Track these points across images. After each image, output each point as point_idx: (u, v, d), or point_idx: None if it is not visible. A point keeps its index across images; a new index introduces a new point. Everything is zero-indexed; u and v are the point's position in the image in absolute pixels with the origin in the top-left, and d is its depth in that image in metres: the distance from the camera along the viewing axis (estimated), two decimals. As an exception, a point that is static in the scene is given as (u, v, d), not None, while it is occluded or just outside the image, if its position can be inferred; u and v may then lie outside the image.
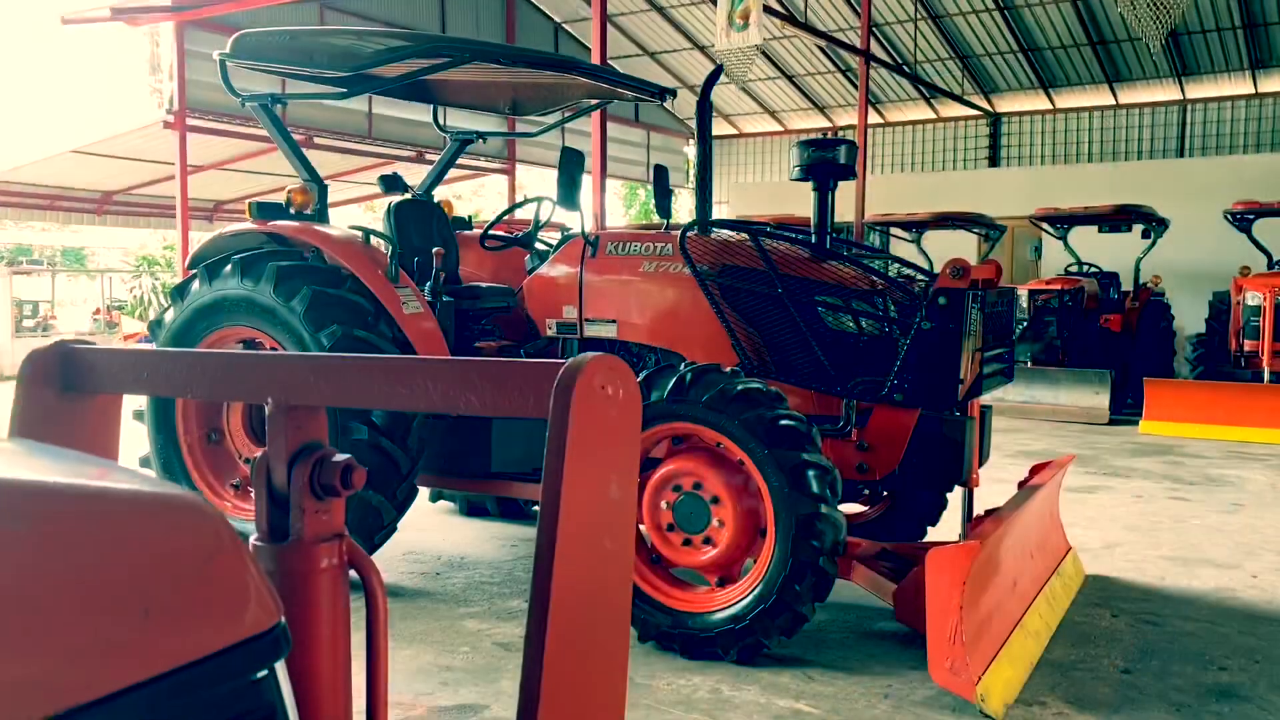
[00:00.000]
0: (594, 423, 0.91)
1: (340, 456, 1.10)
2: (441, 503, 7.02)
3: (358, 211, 32.91)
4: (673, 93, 5.81)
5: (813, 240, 4.98)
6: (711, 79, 5.02)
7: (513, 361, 0.97)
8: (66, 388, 1.21)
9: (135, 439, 5.69)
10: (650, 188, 27.91)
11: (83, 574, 0.57)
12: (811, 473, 3.97)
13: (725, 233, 4.97)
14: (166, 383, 1.19)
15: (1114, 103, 20.16)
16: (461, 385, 0.97)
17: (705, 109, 5.06)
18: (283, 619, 0.70)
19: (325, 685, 1.08)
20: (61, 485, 0.60)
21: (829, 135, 23.50)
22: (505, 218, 6.34)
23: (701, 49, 21.04)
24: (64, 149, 16.36)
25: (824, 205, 4.95)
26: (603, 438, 0.92)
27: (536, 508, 6.57)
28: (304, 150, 5.66)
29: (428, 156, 17.77)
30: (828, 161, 4.78)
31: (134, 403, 5.95)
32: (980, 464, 4.77)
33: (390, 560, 5.67)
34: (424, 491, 6.09)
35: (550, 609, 0.88)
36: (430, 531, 6.38)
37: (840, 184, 5.06)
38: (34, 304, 22.24)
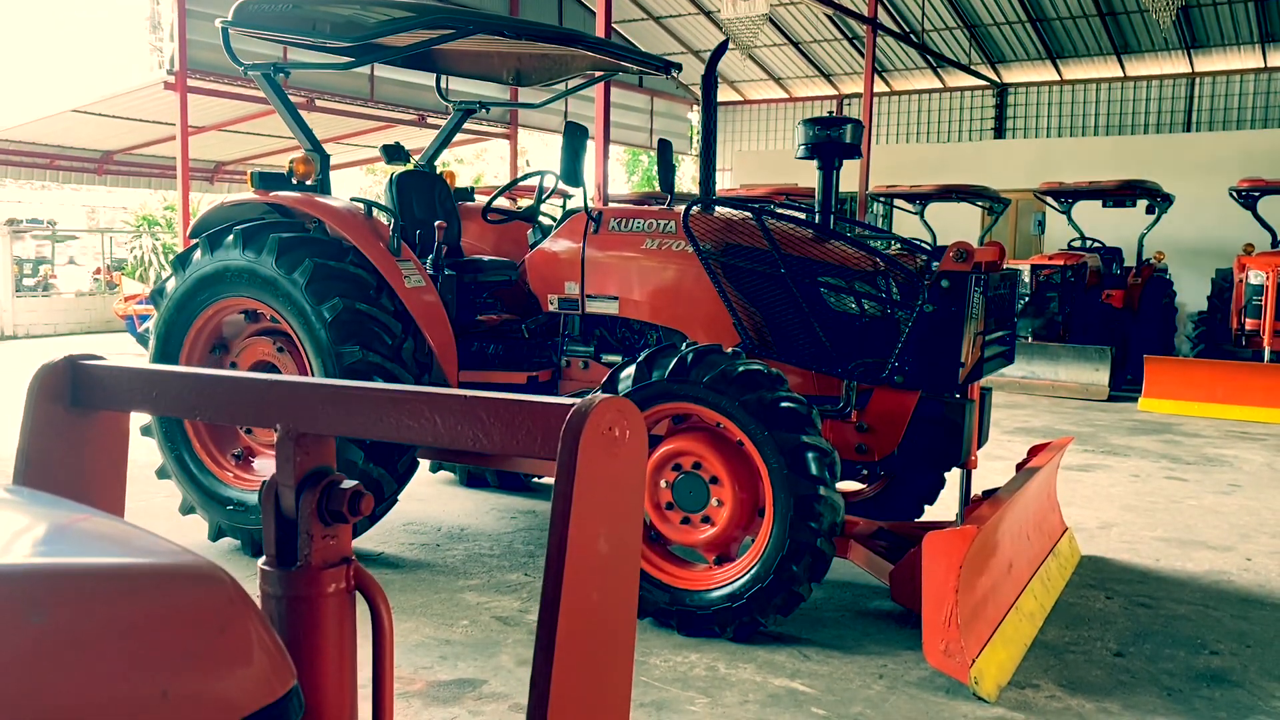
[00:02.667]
0: (600, 464, 0.92)
1: (348, 483, 1.10)
2: (441, 473, 7.05)
3: (359, 174, 32.68)
4: (678, 66, 5.77)
5: (816, 219, 4.96)
6: (717, 54, 4.98)
7: (522, 401, 0.98)
8: (75, 403, 1.22)
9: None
10: (653, 154, 27.68)
11: (103, 661, 0.58)
12: (811, 455, 3.99)
13: (728, 211, 4.95)
14: (176, 403, 1.20)
15: (1121, 75, 20.00)
16: (469, 421, 0.98)
17: (710, 85, 5.02)
18: (295, 681, 0.71)
19: (331, 709, 1.09)
20: (76, 568, 0.60)
21: (835, 103, 23.33)
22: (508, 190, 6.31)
23: (708, 14, 20.84)
24: (64, 108, 16.25)
25: (828, 184, 4.93)
26: (609, 478, 0.93)
27: (535, 480, 6.62)
28: (305, 113, 5.64)
29: (430, 120, 17.65)
30: (833, 141, 4.75)
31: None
32: (979, 445, 4.78)
33: (390, 531, 5.71)
34: (424, 462, 6.12)
35: (557, 640, 0.89)
36: (430, 502, 6.41)
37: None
38: (34, 263, 22.18)
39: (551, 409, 0.96)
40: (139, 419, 5.61)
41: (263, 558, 1.12)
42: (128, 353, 14.42)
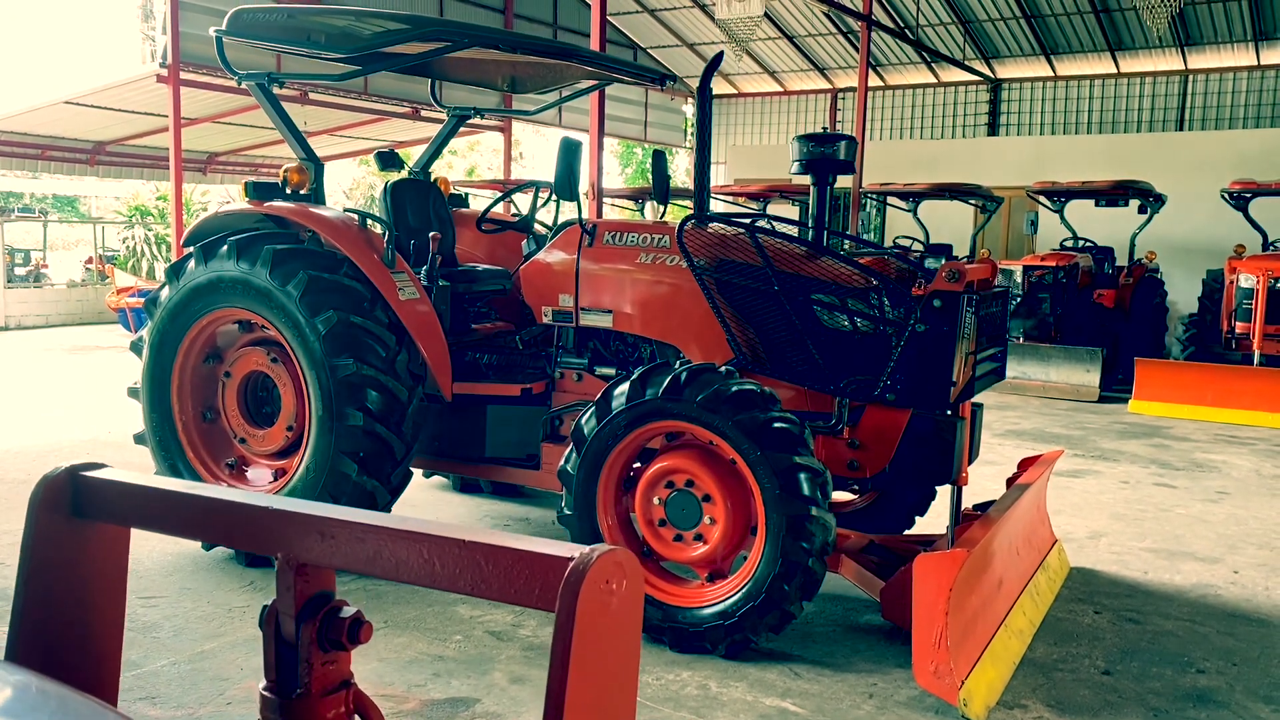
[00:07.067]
0: (598, 617, 0.94)
1: (348, 610, 1.12)
2: (435, 479, 7.06)
3: (352, 165, 32.55)
4: (673, 77, 5.81)
5: (810, 235, 4.98)
6: (711, 68, 4.97)
7: (521, 552, 1.00)
8: (76, 513, 1.23)
9: (130, 416, 5.72)
10: (647, 148, 27.52)
11: None
12: (803, 475, 4.01)
13: (722, 226, 4.96)
14: (178, 523, 1.21)
15: (1115, 71, 20.00)
16: (468, 567, 0.99)
17: (705, 96, 5.01)
18: None
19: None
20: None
21: (829, 97, 23.30)
22: (501, 199, 6.32)
23: (703, 7, 20.77)
24: (56, 99, 16.17)
25: (822, 200, 4.95)
26: (606, 631, 0.94)
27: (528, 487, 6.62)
28: (298, 105, 5.63)
29: (424, 114, 17.59)
30: (828, 157, 4.77)
31: (130, 376, 5.95)
32: (970, 462, 4.81)
33: (384, 539, 5.71)
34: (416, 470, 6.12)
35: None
36: (423, 508, 6.43)
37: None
38: (25, 252, 22.07)
39: (550, 561, 0.98)
40: (135, 423, 5.61)
41: (263, 682, 1.14)
42: (120, 346, 14.39)
